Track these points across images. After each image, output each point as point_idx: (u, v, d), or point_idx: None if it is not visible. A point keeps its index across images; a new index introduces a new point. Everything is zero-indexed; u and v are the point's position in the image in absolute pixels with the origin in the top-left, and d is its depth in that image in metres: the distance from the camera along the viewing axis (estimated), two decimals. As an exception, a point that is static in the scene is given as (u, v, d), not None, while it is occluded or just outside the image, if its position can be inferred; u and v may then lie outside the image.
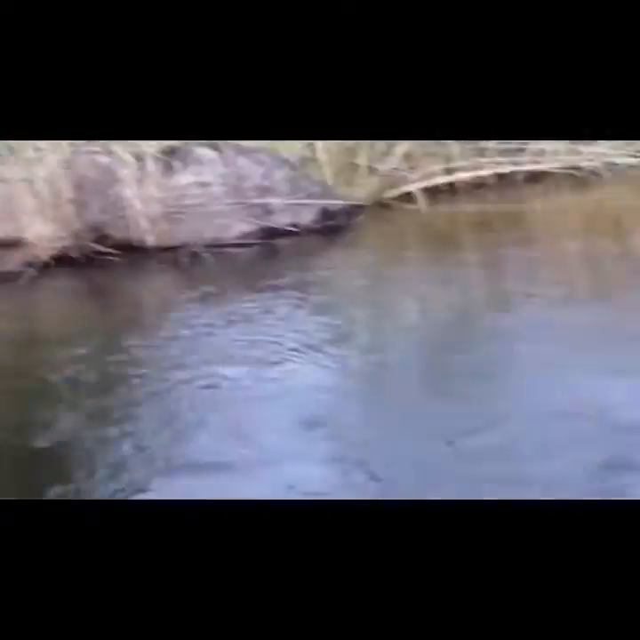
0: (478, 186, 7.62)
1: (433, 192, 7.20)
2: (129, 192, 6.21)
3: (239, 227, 6.38)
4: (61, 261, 6.02)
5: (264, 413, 3.85)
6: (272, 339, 4.64)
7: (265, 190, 6.53)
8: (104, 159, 6.32)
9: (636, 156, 7.86)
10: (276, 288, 5.45)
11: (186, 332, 4.88)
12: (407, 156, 7.48)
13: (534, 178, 7.63)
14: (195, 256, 6.06)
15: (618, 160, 7.78)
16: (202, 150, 6.52)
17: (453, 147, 7.67)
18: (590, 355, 4.19)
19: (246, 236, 6.36)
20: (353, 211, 6.78)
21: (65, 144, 6.21)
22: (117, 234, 6.20)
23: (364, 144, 7.29)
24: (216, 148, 6.54)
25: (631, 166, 7.78)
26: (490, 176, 7.74)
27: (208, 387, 4.16)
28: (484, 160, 7.76)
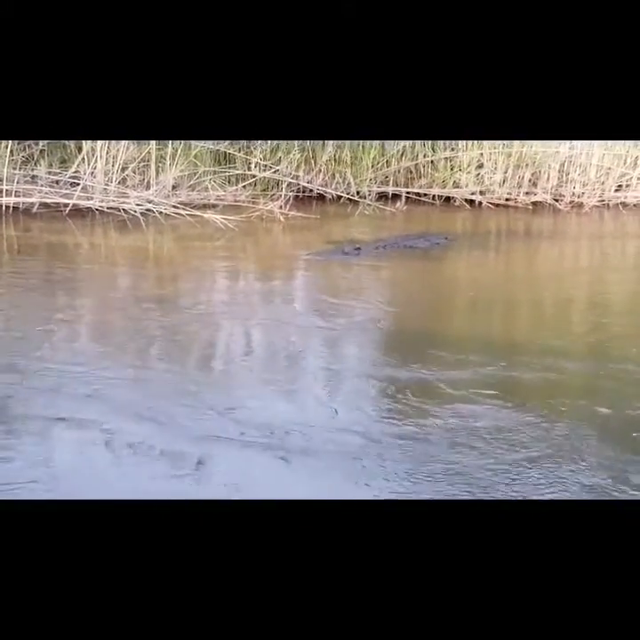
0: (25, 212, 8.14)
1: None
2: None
3: None
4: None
5: None
6: None
7: None
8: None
9: (176, 207, 8.50)
10: None
11: None
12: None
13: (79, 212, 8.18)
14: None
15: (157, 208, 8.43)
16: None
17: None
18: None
19: None
20: None
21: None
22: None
23: None
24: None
25: (167, 216, 8.42)
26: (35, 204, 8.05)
27: None
28: (31, 187, 8.06)
